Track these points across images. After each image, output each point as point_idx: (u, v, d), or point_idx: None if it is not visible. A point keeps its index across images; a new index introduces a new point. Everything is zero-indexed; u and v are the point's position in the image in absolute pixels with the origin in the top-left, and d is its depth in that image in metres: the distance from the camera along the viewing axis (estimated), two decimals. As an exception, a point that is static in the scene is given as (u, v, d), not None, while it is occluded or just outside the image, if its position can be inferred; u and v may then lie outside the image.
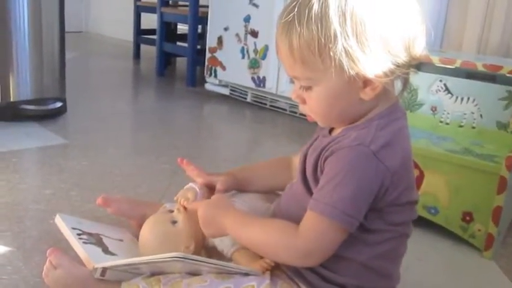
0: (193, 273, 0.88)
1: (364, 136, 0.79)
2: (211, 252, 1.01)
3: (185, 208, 1.02)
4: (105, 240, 1.06)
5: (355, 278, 0.85)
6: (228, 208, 0.91)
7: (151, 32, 3.81)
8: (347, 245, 0.81)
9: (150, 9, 3.73)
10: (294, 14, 0.77)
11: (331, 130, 0.89)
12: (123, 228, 1.17)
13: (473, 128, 1.48)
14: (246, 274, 0.87)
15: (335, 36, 0.74)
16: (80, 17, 5.53)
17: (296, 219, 0.84)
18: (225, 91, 2.88)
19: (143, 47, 4.04)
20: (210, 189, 1.08)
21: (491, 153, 1.35)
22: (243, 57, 2.69)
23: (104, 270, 0.93)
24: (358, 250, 0.83)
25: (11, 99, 2.10)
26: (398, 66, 0.77)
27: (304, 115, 0.87)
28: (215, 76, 2.88)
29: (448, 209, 1.35)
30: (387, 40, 0.76)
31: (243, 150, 2.16)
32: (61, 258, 0.97)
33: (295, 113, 2.50)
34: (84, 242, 1.01)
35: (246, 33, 2.67)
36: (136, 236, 1.07)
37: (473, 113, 1.47)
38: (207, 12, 2.90)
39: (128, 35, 4.33)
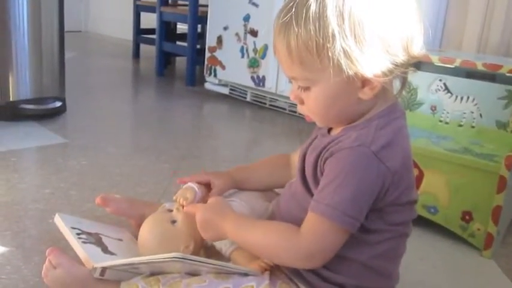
0: (193, 273, 0.88)
1: (364, 136, 0.78)
2: (210, 251, 1.01)
3: (183, 207, 1.01)
4: (105, 240, 1.06)
5: (354, 277, 0.85)
6: (226, 212, 0.91)
7: (151, 31, 3.81)
8: (347, 245, 0.80)
9: (150, 9, 3.73)
10: (292, 15, 0.76)
11: (330, 129, 0.89)
12: (122, 227, 1.17)
13: (473, 127, 1.48)
14: (245, 274, 0.87)
15: (333, 36, 0.74)
16: (80, 17, 5.53)
17: (296, 220, 0.84)
18: (225, 90, 2.88)
19: (143, 46, 4.04)
20: (209, 189, 1.08)
21: (491, 153, 1.35)
22: (243, 56, 2.69)
23: (103, 269, 0.93)
24: (358, 250, 0.83)
25: (11, 99, 2.10)
26: (396, 65, 0.77)
27: (303, 115, 0.87)
28: (215, 75, 2.88)
29: (447, 208, 1.35)
30: (385, 39, 0.76)
31: (243, 150, 2.16)
32: (60, 258, 0.96)
33: (295, 112, 2.49)
34: (83, 242, 1.01)
35: (245, 33, 2.66)
36: (136, 236, 1.06)
37: (472, 112, 1.47)
38: (207, 12, 2.90)
39: (128, 34, 4.33)
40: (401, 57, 0.77)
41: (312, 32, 0.74)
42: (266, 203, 1.06)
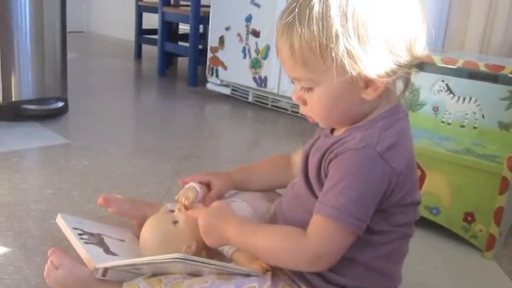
0: (195, 274, 0.88)
1: (369, 137, 0.78)
2: (212, 251, 1.00)
3: (186, 208, 1.01)
4: (107, 240, 1.06)
5: (357, 279, 0.84)
6: (229, 217, 0.90)
7: (153, 31, 3.81)
8: (350, 246, 0.80)
9: (152, 9, 3.73)
10: (295, 15, 0.76)
11: (332, 129, 0.89)
12: (124, 228, 1.17)
13: (475, 128, 1.47)
14: (247, 275, 0.86)
15: (336, 36, 0.74)
16: (82, 17, 5.53)
17: (299, 221, 0.84)
18: (227, 91, 2.88)
19: (145, 46, 4.04)
20: (210, 189, 1.08)
21: (493, 154, 1.35)
22: (245, 57, 2.69)
23: (106, 270, 0.93)
24: (361, 251, 0.82)
25: (13, 99, 2.10)
26: (400, 66, 0.77)
27: (306, 116, 0.87)
28: (217, 76, 2.88)
29: (449, 209, 1.34)
30: (389, 40, 0.76)
31: (244, 150, 2.16)
32: (62, 258, 0.97)
33: (297, 113, 2.49)
34: (85, 242, 1.01)
35: (247, 33, 2.66)
36: (138, 236, 1.06)
37: (475, 113, 1.47)
38: (209, 12, 2.90)
39: (130, 34, 4.33)
40: (404, 58, 0.77)
41: (315, 33, 0.74)
42: (268, 204, 1.06)
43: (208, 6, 2.93)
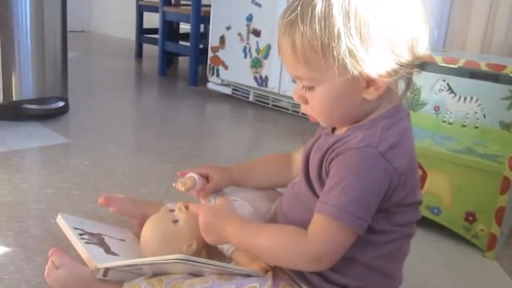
0: (195, 274, 0.88)
1: (371, 137, 0.78)
2: (212, 251, 1.00)
3: (186, 207, 1.01)
4: (107, 240, 1.06)
5: (358, 279, 0.84)
6: (230, 216, 0.90)
7: (154, 31, 3.81)
8: (351, 246, 0.80)
9: (153, 9, 3.73)
10: (297, 13, 0.76)
11: (334, 128, 0.88)
12: (125, 228, 1.17)
13: (476, 127, 1.47)
14: (248, 275, 0.86)
15: (338, 35, 0.73)
16: (83, 16, 5.53)
17: (300, 220, 0.84)
18: (227, 90, 2.88)
19: (145, 46, 4.04)
20: (208, 182, 1.09)
21: (495, 153, 1.35)
22: (246, 56, 2.69)
23: (107, 270, 0.93)
24: (363, 251, 0.82)
25: (13, 99, 2.10)
26: (401, 66, 0.77)
27: (307, 115, 0.87)
28: (217, 75, 2.87)
29: (451, 209, 1.34)
30: (391, 39, 0.75)
31: (245, 150, 2.16)
32: (63, 258, 0.96)
33: (298, 112, 2.49)
34: (86, 242, 1.01)
35: (248, 33, 2.66)
36: (138, 236, 1.06)
37: (476, 112, 1.47)
38: (209, 12, 2.90)
39: (130, 34, 4.33)
40: (406, 58, 0.77)
41: (318, 31, 0.74)
42: (268, 203, 1.06)
43: (209, 6, 2.93)
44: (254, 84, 2.68)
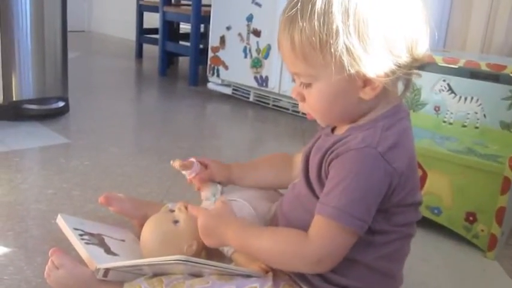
0: (196, 275, 0.88)
1: (370, 138, 0.78)
2: (212, 251, 1.00)
3: (186, 207, 1.01)
4: (107, 241, 1.06)
5: (358, 279, 0.84)
6: (230, 220, 0.89)
7: (154, 31, 3.81)
8: (352, 247, 0.80)
9: (153, 9, 3.73)
10: (297, 9, 0.76)
11: (333, 128, 0.88)
12: (125, 228, 1.17)
13: (477, 127, 1.47)
14: (248, 276, 0.86)
15: (337, 32, 0.73)
16: (83, 16, 5.53)
17: (300, 221, 0.84)
18: (228, 90, 2.88)
19: (146, 46, 4.04)
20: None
21: (495, 153, 1.35)
22: (246, 56, 2.69)
23: (107, 270, 0.93)
24: (363, 251, 0.82)
25: (13, 99, 2.10)
26: (399, 66, 0.77)
27: (304, 112, 0.87)
28: (217, 75, 2.87)
29: (451, 209, 1.34)
30: (390, 40, 0.75)
31: (245, 150, 2.16)
32: (63, 258, 0.96)
33: (298, 112, 2.49)
34: (86, 243, 1.01)
35: (248, 33, 2.66)
36: (138, 236, 1.06)
37: (476, 112, 1.47)
38: (210, 12, 2.90)
39: (131, 34, 4.33)
40: (404, 59, 0.77)
41: (316, 28, 0.74)
42: (269, 204, 1.06)
43: (209, 6, 2.93)
44: (254, 84, 2.68)
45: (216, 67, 2.87)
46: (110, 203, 1.17)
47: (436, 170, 1.35)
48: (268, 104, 2.69)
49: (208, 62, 2.91)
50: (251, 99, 2.77)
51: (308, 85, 0.81)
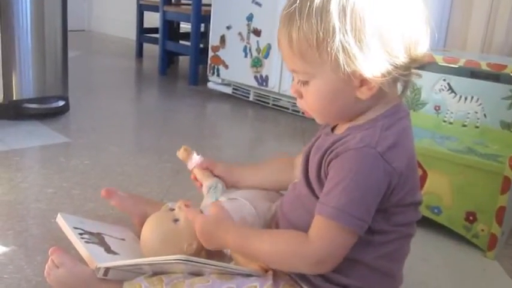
0: (196, 274, 0.88)
1: (369, 137, 0.77)
2: (212, 250, 1.00)
3: (186, 206, 1.01)
4: (107, 239, 1.06)
5: (358, 279, 0.84)
6: (227, 224, 0.89)
7: (154, 30, 3.81)
8: (352, 247, 0.80)
9: (153, 8, 3.73)
10: (296, 7, 0.76)
11: (333, 128, 0.88)
12: (125, 227, 1.17)
13: (477, 127, 1.47)
14: (248, 275, 0.86)
15: (333, 31, 0.73)
16: (83, 16, 5.53)
17: (300, 221, 0.84)
18: (228, 90, 2.88)
19: (146, 45, 4.04)
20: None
21: (495, 153, 1.35)
22: (246, 56, 2.69)
23: (107, 269, 0.93)
24: (363, 251, 0.82)
25: (14, 98, 2.10)
26: (397, 67, 0.76)
27: (302, 110, 0.87)
28: (218, 75, 2.87)
29: (451, 209, 1.34)
30: (387, 40, 0.75)
31: (245, 149, 2.16)
32: (63, 257, 0.96)
33: (298, 112, 2.49)
34: (86, 242, 1.01)
35: (248, 32, 2.66)
36: (138, 235, 1.06)
37: (476, 112, 1.47)
38: (210, 11, 2.90)
39: (131, 33, 4.32)
40: (402, 59, 0.76)
41: (314, 25, 0.74)
42: (269, 203, 1.06)
43: (210, 5, 2.93)
44: (254, 83, 2.68)
45: (216, 66, 2.87)
46: (110, 196, 1.17)
47: (436, 169, 1.35)
48: (268, 103, 2.69)
49: (209, 62, 2.91)
50: (251, 98, 2.77)
51: (305, 83, 0.81)
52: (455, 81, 1.50)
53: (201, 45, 3.21)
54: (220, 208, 0.93)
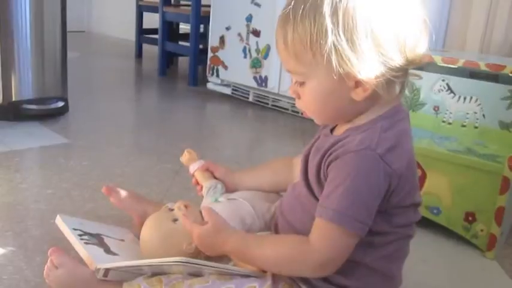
0: (195, 274, 0.88)
1: (369, 139, 0.77)
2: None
3: (186, 206, 1.01)
4: (107, 240, 1.06)
5: (358, 279, 0.84)
6: (226, 233, 0.88)
7: (154, 31, 3.81)
8: None
9: (152, 9, 3.73)
10: (291, 8, 0.76)
11: (333, 129, 0.88)
12: (124, 228, 1.17)
13: (476, 127, 1.47)
14: (248, 276, 0.86)
15: (326, 32, 0.73)
16: (83, 17, 5.53)
17: (300, 222, 0.84)
18: (227, 90, 2.88)
19: (145, 46, 4.04)
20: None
21: (494, 153, 1.35)
22: (245, 56, 2.69)
23: (107, 270, 0.93)
24: (363, 252, 0.82)
25: (13, 99, 2.10)
26: (392, 69, 0.75)
27: (301, 110, 0.87)
28: (217, 75, 2.87)
29: (450, 209, 1.34)
30: (380, 41, 0.74)
31: (245, 150, 2.16)
32: (63, 258, 0.96)
33: (297, 112, 2.49)
34: (85, 243, 1.01)
35: (248, 33, 2.66)
36: (138, 236, 1.06)
37: (475, 112, 1.47)
38: (209, 12, 2.90)
39: (130, 34, 4.33)
40: (397, 61, 0.75)
41: (307, 27, 0.74)
42: (268, 204, 1.06)
43: (209, 6, 2.93)
44: (254, 84, 2.68)
45: (215, 67, 2.87)
46: (110, 193, 1.18)
47: (435, 170, 1.35)
48: (268, 104, 2.69)
49: (208, 62, 2.91)
50: (250, 99, 2.77)
51: (302, 83, 0.81)
52: (454, 81, 1.50)
53: (201, 46, 3.22)
54: (216, 216, 0.91)
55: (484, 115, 1.46)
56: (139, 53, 4.07)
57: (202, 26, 3.33)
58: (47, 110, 2.18)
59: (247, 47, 2.68)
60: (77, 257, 0.98)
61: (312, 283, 0.85)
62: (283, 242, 0.85)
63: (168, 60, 3.58)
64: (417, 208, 0.87)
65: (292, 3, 0.76)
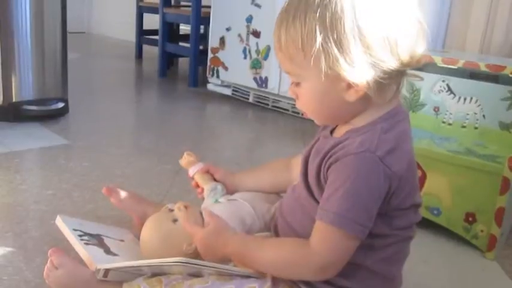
0: (195, 275, 0.88)
1: (369, 141, 0.77)
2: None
3: (186, 206, 1.01)
4: (107, 241, 1.06)
5: (358, 281, 0.84)
6: (227, 236, 0.89)
7: (154, 32, 3.81)
8: None
9: (153, 10, 3.73)
10: (285, 10, 0.77)
11: (332, 130, 0.88)
12: (124, 228, 1.17)
13: (476, 128, 1.47)
14: (247, 276, 0.86)
15: (315, 34, 0.73)
16: (83, 18, 5.53)
17: (299, 224, 0.84)
18: (227, 91, 2.88)
19: (145, 47, 4.04)
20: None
21: (494, 154, 1.35)
22: (245, 57, 2.69)
23: (107, 271, 0.93)
24: (363, 255, 0.82)
25: (13, 100, 2.10)
26: (383, 71, 0.75)
27: (301, 111, 0.87)
28: (217, 76, 2.88)
29: (450, 210, 1.34)
30: (369, 43, 0.73)
31: (245, 151, 2.16)
32: (63, 258, 0.96)
33: (297, 113, 2.49)
34: (85, 243, 1.01)
35: (248, 34, 2.66)
36: (138, 236, 1.06)
37: (475, 113, 1.47)
38: (209, 13, 2.90)
39: (130, 35, 4.33)
40: (389, 63, 0.75)
41: (298, 28, 0.75)
42: (267, 205, 1.06)
43: (209, 7, 2.93)
44: (254, 85, 2.68)
45: (215, 68, 2.87)
46: (110, 193, 1.18)
47: (436, 170, 1.35)
48: (268, 104, 2.69)
49: (208, 63, 2.91)
50: (251, 100, 2.77)
51: (298, 84, 0.81)
52: (455, 82, 1.50)
53: (201, 47, 3.22)
54: (217, 219, 0.92)
55: (484, 116, 1.46)
56: (139, 54, 4.07)
57: (202, 27, 3.33)
58: (47, 111, 2.18)
59: (248, 47, 2.68)
60: (77, 257, 0.98)
61: (312, 284, 0.85)
62: (283, 245, 0.85)
63: (168, 61, 3.58)
64: (417, 209, 0.87)
65: (286, 5, 0.77)
